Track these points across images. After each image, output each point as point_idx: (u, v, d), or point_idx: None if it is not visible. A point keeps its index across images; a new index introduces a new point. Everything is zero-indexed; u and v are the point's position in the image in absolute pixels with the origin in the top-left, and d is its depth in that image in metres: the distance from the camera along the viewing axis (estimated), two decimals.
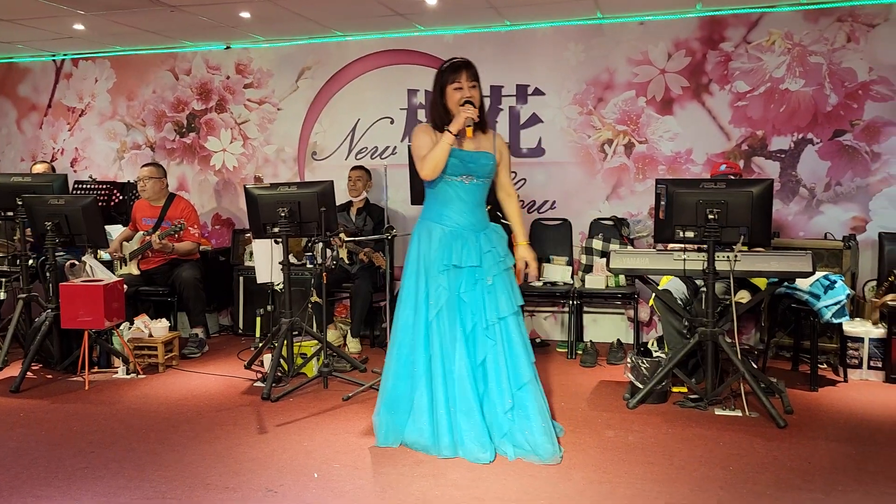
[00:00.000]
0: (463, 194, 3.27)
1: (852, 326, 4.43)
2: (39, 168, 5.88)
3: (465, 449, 3.14)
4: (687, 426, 3.57)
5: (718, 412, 3.76)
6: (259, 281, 4.97)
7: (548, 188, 5.56)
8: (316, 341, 4.53)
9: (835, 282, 4.14)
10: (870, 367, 4.39)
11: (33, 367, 4.69)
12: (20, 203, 4.65)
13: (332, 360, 4.42)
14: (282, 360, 4.36)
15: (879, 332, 4.37)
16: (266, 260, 4.74)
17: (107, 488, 2.91)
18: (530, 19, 5.39)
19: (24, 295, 4.78)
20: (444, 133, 3.18)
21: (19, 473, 3.07)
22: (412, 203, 4.60)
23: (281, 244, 4.37)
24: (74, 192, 5.67)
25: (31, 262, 4.90)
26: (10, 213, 4.81)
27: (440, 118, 3.27)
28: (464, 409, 3.16)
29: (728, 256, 3.76)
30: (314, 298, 4.63)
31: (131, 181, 6.18)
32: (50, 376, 4.64)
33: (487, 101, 5.54)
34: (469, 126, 3.17)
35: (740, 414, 3.72)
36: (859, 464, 3.11)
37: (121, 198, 6.03)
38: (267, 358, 4.54)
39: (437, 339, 3.20)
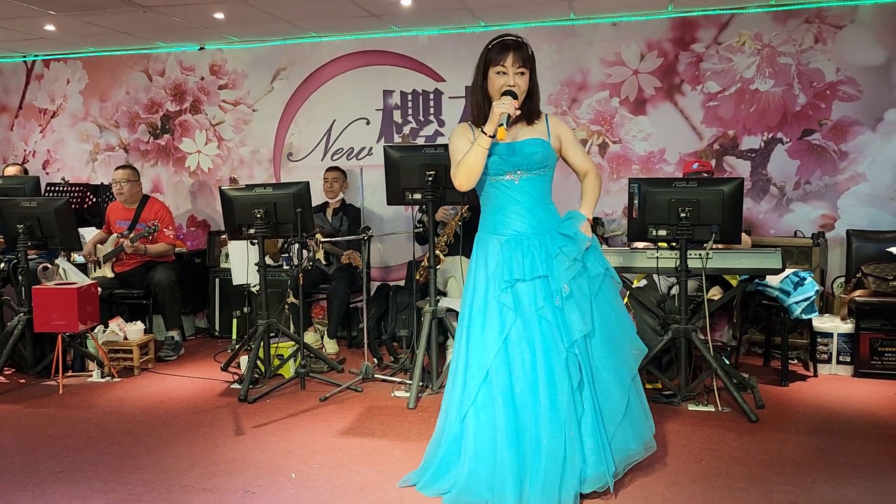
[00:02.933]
0: (515, 194, 2.76)
1: (821, 322, 4.53)
2: (11, 170, 5.81)
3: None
4: (661, 421, 3.62)
5: (692, 408, 3.81)
6: (235, 282, 4.95)
7: (561, 186, 5.57)
8: (293, 342, 4.53)
9: (804, 278, 4.23)
10: (839, 362, 4.48)
11: (6, 372, 4.63)
12: None
13: (309, 361, 4.42)
14: (258, 362, 4.35)
15: (848, 327, 4.46)
16: (242, 261, 4.73)
17: (82, 492, 2.89)
18: (504, 20, 5.42)
19: None
20: (478, 134, 2.70)
21: None
22: (388, 203, 4.60)
23: (257, 245, 4.36)
24: (47, 194, 5.60)
25: (1, 265, 4.84)
26: None
27: (478, 106, 2.79)
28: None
29: (700, 254, 3.82)
30: (291, 299, 4.62)
31: (104, 183, 6.12)
32: (23, 381, 4.58)
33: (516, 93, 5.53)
34: (502, 125, 2.65)
35: (713, 409, 3.78)
36: (828, 456, 3.18)
37: (94, 200, 5.97)
38: (244, 359, 4.52)
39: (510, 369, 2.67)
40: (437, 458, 2.79)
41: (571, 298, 2.66)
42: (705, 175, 4.45)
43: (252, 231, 4.30)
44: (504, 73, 2.70)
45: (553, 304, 2.66)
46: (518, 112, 2.72)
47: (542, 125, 2.83)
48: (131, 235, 5.11)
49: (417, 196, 4.14)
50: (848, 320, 4.51)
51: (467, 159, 2.69)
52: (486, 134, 2.66)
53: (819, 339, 4.50)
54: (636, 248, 4.17)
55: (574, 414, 2.60)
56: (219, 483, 2.96)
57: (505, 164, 2.75)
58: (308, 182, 4.39)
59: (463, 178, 2.72)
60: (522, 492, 2.56)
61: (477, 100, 2.79)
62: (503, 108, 2.64)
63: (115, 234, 5.29)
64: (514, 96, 2.69)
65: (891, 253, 4.45)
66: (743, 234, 4.06)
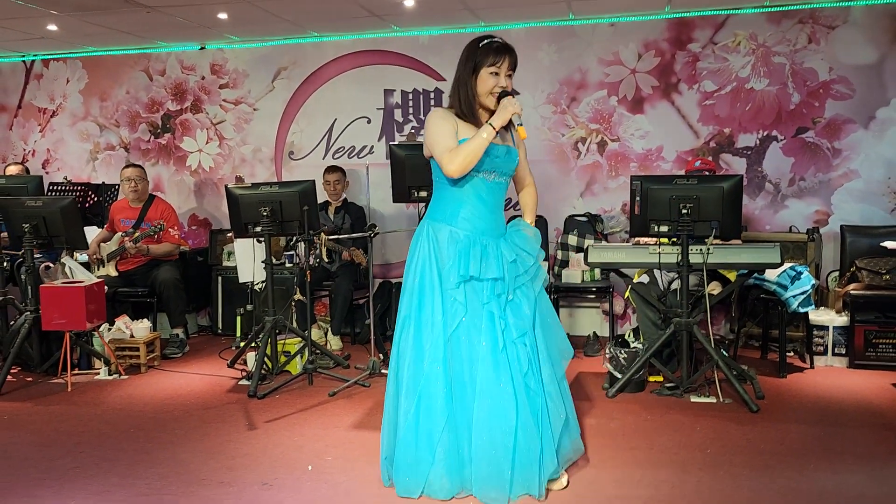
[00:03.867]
0: (483, 193, 2.78)
1: (817, 315, 4.63)
2: (13, 170, 5.82)
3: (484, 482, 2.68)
4: (665, 413, 3.71)
5: (694, 399, 3.91)
6: (241, 280, 5.00)
7: (540, 187, 5.66)
8: (299, 339, 4.58)
9: (801, 273, 4.33)
10: (834, 354, 4.59)
11: (11, 371, 4.64)
12: None
13: (316, 357, 4.48)
14: (266, 358, 4.40)
15: (843, 320, 4.57)
16: (248, 259, 4.78)
17: (100, 487, 2.94)
18: (504, 20, 5.50)
19: None
20: (485, 126, 2.69)
21: (10, 474, 3.08)
22: (394, 201, 4.67)
23: (263, 243, 4.40)
24: (49, 193, 5.61)
25: (5, 264, 4.86)
26: None
27: (465, 101, 2.78)
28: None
29: (701, 249, 3.91)
30: (298, 296, 4.67)
31: (106, 182, 6.14)
32: (30, 378, 4.61)
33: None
34: (521, 125, 2.73)
35: (714, 400, 3.87)
36: (827, 445, 3.28)
37: (95, 199, 5.99)
38: (250, 356, 4.57)
39: (454, 361, 2.73)
40: (397, 450, 2.79)
41: (516, 301, 2.76)
42: (707, 173, 4.54)
43: (258, 229, 4.35)
44: (497, 74, 2.74)
45: (501, 302, 2.73)
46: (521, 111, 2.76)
47: (510, 135, 2.88)
48: (136, 235, 5.14)
49: (423, 194, 4.20)
50: (843, 313, 4.62)
51: (471, 148, 2.67)
52: (493, 128, 2.68)
53: (815, 332, 4.61)
54: (638, 244, 4.26)
55: (518, 403, 2.66)
56: (236, 476, 3.01)
57: (488, 162, 2.75)
58: (314, 181, 4.45)
59: (460, 164, 2.68)
60: (467, 478, 2.70)
61: (465, 94, 2.77)
62: (516, 108, 2.70)
63: (120, 233, 5.32)
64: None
65: (884, 247, 4.56)
66: None
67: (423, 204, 5.16)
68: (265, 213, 4.28)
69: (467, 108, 2.78)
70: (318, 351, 4.57)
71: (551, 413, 2.74)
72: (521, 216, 3.03)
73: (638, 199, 3.99)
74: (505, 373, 2.68)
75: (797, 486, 2.84)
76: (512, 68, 2.77)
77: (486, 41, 2.77)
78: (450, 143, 2.72)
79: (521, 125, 2.72)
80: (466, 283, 2.73)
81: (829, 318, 4.60)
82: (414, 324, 2.77)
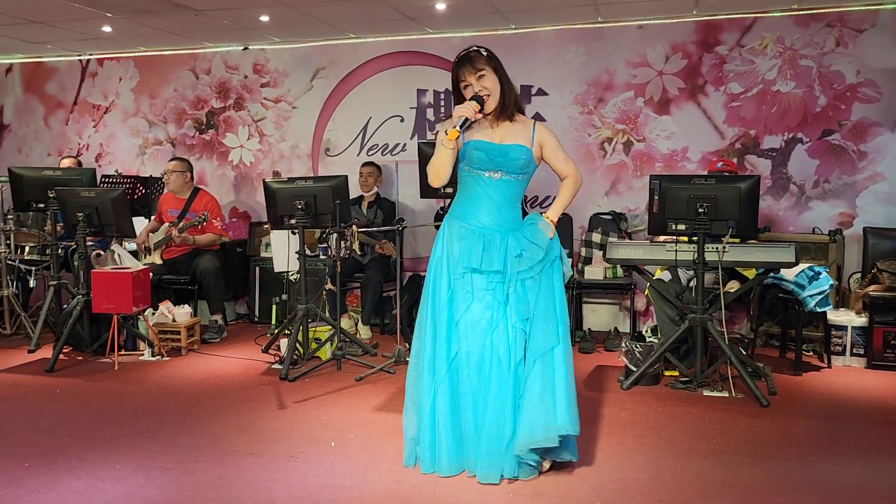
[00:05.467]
0: (490, 191, 2.97)
1: (836, 315, 4.69)
2: (67, 163, 6.18)
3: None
4: (676, 405, 3.84)
5: (707, 393, 4.02)
6: (276, 270, 5.26)
7: (550, 184, 5.76)
8: (329, 327, 4.81)
9: (819, 273, 4.39)
10: (852, 354, 4.64)
11: (63, 350, 4.97)
12: (52, 196, 4.96)
13: (345, 344, 4.71)
14: (297, 344, 4.65)
15: (862, 320, 4.62)
16: (283, 250, 5.03)
17: (144, 453, 3.20)
18: (533, 23, 5.65)
19: (54, 282, 5.09)
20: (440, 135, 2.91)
21: (63, 440, 3.37)
22: (421, 197, 4.87)
23: (298, 235, 4.65)
24: (101, 185, 5.96)
25: (59, 251, 5.20)
26: (42, 205, 5.12)
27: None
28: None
29: (717, 248, 4.01)
30: (328, 286, 4.91)
31: (154, 175, 6.48)
32: (80, 358, 4.94)
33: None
34: (455, 127, 2.83)
35: (727, 395, 3.98)
36: (833, 438, 3.37)
37: (144, 191, 6.33)
38: (283, 342, 4.83)
39: (459, 345, 2.92)
40: (417, 433, 3.01)
41: (517, 291, 2.92)
42: (727, 174, 4.63)
43: (293, 221, 4.59)
44: (468, 85, 2.91)
45: (503, 291, 2.90)
46: (480, 115, 2.91)
47: (529, 132, 3.01)
48: (180, 225, 5.44)
49: (450, 190, 4.39)
50: (862, 314, 4.67)
51: (433, 160, 2.92)
52: (446, 135, 2.84)
53: (833, 332, 4.67)
54: (657, 242, 4.38)
55: (516, 386, 2.86)
56: (265, 449, 3.25)
57: (491, 162, 2.93)
58: (346, 176, 4.67)
59: (432, 175, 2.93)
60: (468, 458, 2.91)
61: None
62: (462, 110, 2.85)
63: (167, 224, 5.63)
64: (480, 101, 2.88)
65: None
66: None
67: (448, 200, 5.37)
68: (300, 207, 4.52)
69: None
70: (346, 339, 4.80)
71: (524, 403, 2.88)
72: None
73: (657, 197, 4.12)
74: (502, 357, 2.87)
75: (797, 475, 2.95)
76: (476, 69, 2.90)
77: (456, 59, 2.96)
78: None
79: (455, 128, 2.82)
80: (472, 273, 2.92)
81: (848, 318, 4.65)
82: (430, 313, 2.99)
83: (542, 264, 2.97)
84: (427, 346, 2.98)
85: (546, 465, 2.98)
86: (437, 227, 5.27)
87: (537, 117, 5.80)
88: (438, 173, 2.93)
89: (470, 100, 2.89)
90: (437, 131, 3.03)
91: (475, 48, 2.96)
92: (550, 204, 3.17)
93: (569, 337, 2.99)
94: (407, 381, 3.11)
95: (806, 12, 5.21)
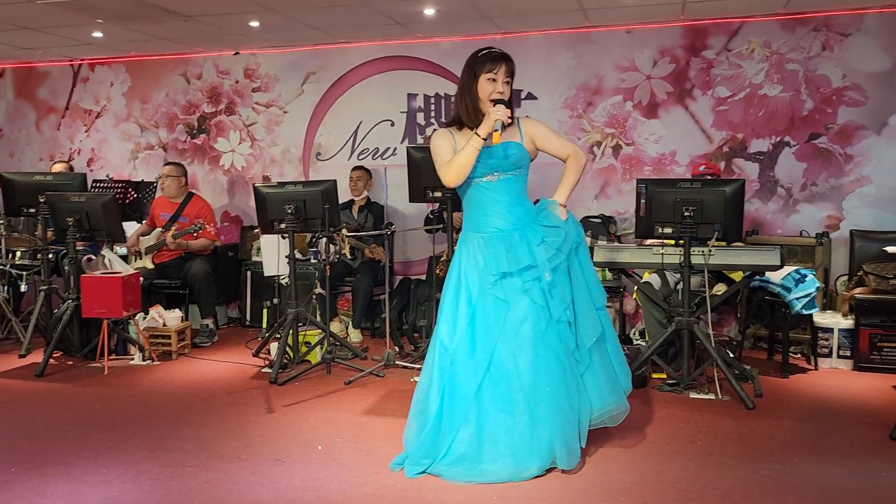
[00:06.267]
0: (494, 194, 3.00)
1: (823, 318, 4.72)
2: (58, 167, 6.18)
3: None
4: (662, 407, 3.86)
5: (693, 395, 4.05)
6: (266, 274, 5.28)
7: (540, 188, 5.80)
8: (319, 330, 4.83)
9: (805, 276, 4.43)
10: (839, 356, 4.67)
11: (54, 355, 4.98)
12: (43, 200, 4.97)
13: (334, 348, 4.73)
14: (287, 348, 4.66)
15: (848, 323, 4.65)
16: (273, 254, 5.05)
17: (132, 458, 3.21)
18: (522, 28, 5.69)
19: (44, 287, 5.10)
20: (471, 136, 2.93)
21: (51, 445, 3.38)
22: (410, 201, 4.89)
23: (287, 239, 4.67)
24: (93, 190, 5.97)
25: (50, 256, 5.21)
26: (33, 210, 5.13)
27: (467, 109, 3.01)
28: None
29: (703, 251, 4.04)
30: (318, 290, 4.93)
31: (145, 180, 6.50)
32: (70, 362, 4.94)
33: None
34: (496, 130, 2.88)
35: (713, 397, 4.01)
36: (818, 440, 3.40)
37: (135, 196, 6.35)
38: (274, 346, 4.84)
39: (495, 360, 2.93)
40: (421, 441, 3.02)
41: (554, 284, 2.95)
42: (709, 177, 4.67)
43: (283, 225, 4.61)
44: (495, 80, 2.95)
45: (540, 286, 2.92)
46: (510, 121, 2.95)
47: (515, 129, 3.06)
48: (173, 231, 5.45)
49: (438, 194, 4.42)
50: (849, 316, 4.70)
51: (461, 158, 2.92)
52: (479, 136, 2.90)
53: (820, 335, 4.70)
54: (644, 245, 4.41)
55: (572, 378, 2.96)
56: (253, 453, 3.26)
57: (484, 166, 2.98)
58: (335, 180, 4.70)
59: (454, 174, 2.95)
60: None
61: (467, 104, 3.01)
62: (499, 114, 2.88)
63: (159, 228, 5.64)
64: (507, 105, 2.92)
65: (886, 252, 4.63)
66: None
67: (437, 203, 5.39)
68: (290, 211, 4.54)
69: (472, 112, 3.00)
70: (336, 342, 4.82)
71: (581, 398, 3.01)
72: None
73: (644, 201, 4.15)
74: (561, 356, 2.93)
75: (780, 476, 2.97)
76: (509, 75, 2.99)
77: (485, 51, 3.00)
78: (446, 157, 3.00)
79: (497, 131, 2.88)
80: (503, 279, 2.94)
81: (835, 320, 4.69)
82: (445, 328, 3.02)
83: (567, 244, 2.99)
84: (438, 362, 3.01)
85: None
86: (427, 231, 5.40)
87: None
88: (462, 173, 2.95)
89: (497, 103, 2.91)
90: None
91: (507, 54, 3.00)
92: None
93: (604, 307, 3.14)
94: (414, 395, 3.17)
95: (792, 16, 5.25)
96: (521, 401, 2.91)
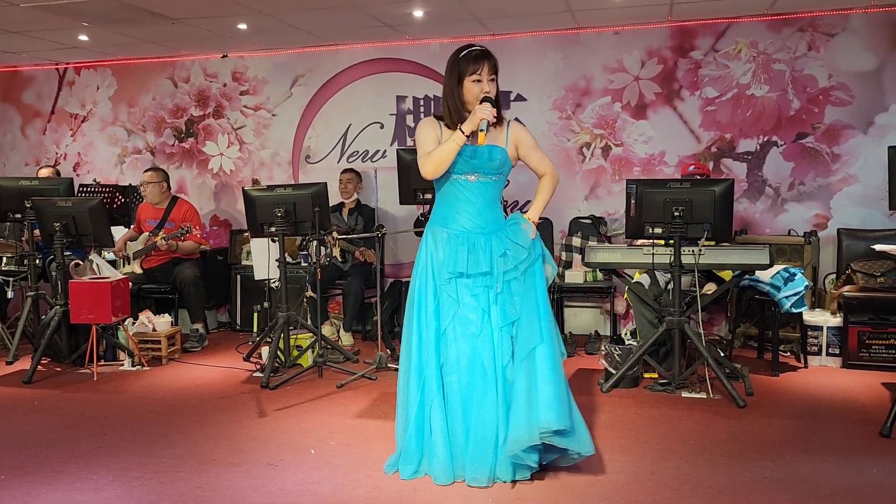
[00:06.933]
0: (469, 194, 2.97)
1: (812, 316, 4.76)
2: (45, 172, 6.14)
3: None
4: (654, 407, 3.88)
5: (685, 395, 4.06)
6: (257, 277, 5.25)
7: (530, 189, 5.82)
8: (310, 334, 4.81)
9: (794, 274, 4.45)
10: (828, 354, 4.71)
11: (42, 361, 4.93)
12: (29, 205, 4.93)
13: (326, 351, 4.71)
14: (279, 352, 4.64)
15: (837, 321, 4.69)
16: (263, 258, 5.03)
17: (121, 464, 3.19)
18: (511, 29, 5.70)
19: (32, 293, 5.05)
20: (454, 131, 2.90)
21: (39, 452, 3.35)
22: (401, 203, 4.89)
23: (277, 242, 4.64)
24: (79, 194, 5.92)
25: (37, 261, 5.16)
26: (19, 215, 5.09)
27: (455, 111, 2.97)
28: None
29: (693, 251, 4.06)
30: (309, 293, 4.91)
31: (132, 184, 6.45)
32: (59, 369, 4.90)
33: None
34: (482, 130, 2.85)
35: (705, 396, 4.02)
36: (808, 437, 3.42)
37: (122, 200, 6.31)
38: (265, 350, 4.81)
39: (447, 352, 2.94)
40: (406, 441, 3.00)
41: (505, 293, 2.93)
42: (699, 177, 4.69)
43: (273, 229, 4.59)
44: (479, 80, 2.92)
45: (487, 298, 2.91)
46: (495, 120, 2.91)
47: (503, 132, 3.03)
48: (161, 235, 5.42)
49: (428, 196, 4.41)
50: (837, 314, 4.73)
51: (441, 152, 2.88)
52: (463, 133, 2.85)
53: (809, 333, 4.73)
54: (634, 245, 4.42)
55: (505, 389, 2.88)
56: (245, 457, 3.24)
57: (466, 165, 2.94)
58: (325, 183, 4.68)
59: (431, 167, 2.92)
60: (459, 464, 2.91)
61: (454, 104, 2.96)
62: (484, 113, 2.84)
63: (146, 234, 5.61)
64: (493, 103, 2.89)
65: (875, 250, 4.66)
66: None
67: (428, 206, 5.39)
68: (280, 214, 4.52)
69: (457, 117, 2.96)
70: (328, 346, 4.80)
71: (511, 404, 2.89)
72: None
73: (634, 201, 4.16)
74: (486, 363, 2.89)
75: (771, 473, 2.99)
76: (493, 72, 2.95)
77: (465, 51, 2.96)
78: (428, 148, 2.96)
79: (483, 131, 2.84)
80: (458, 278, 2.93)
81: (824, 318, 4.72)
82: (416, 324, 3.00)
83: (525, 263, 2.96)
84: (413, 356, 2.99)
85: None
86: (417, 234, 5.39)
87: None
88: (440, 167, 2.92)
89: (484, 101, 2.87)
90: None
91: (487, 50, 2.96)
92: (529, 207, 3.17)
93: (556, 333, 2.98)
94: (397, 390, 3.14)
95: (778, 17, 5.29)
96: (459, 402, 2.92)
